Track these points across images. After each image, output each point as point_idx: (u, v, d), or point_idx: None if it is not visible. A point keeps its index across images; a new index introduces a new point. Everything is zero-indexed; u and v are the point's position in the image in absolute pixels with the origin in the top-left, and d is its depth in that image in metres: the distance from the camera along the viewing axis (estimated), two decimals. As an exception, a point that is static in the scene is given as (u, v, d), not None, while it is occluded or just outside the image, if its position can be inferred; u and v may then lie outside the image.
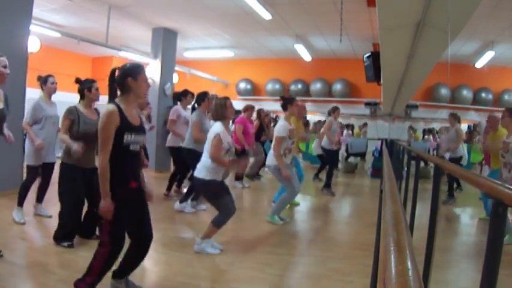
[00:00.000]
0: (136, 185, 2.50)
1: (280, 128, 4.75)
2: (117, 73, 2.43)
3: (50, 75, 4.18)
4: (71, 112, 3.48)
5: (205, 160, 3.55)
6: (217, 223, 3.55)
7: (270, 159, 4.82)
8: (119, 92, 2.45)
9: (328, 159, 7.53)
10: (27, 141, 4.15)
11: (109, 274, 2.51)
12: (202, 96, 5.13)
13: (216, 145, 3.48)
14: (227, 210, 3.55)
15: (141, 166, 2.72)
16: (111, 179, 2.30)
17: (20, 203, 4.17)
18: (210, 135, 3.56)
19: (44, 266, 3.00)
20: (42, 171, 4.23)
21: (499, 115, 4.90)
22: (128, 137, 2.35)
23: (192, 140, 5.00)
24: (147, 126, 7.30)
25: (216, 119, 3.70)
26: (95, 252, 2.43)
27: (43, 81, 4.15)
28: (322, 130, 7.56)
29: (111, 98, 2.45)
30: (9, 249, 3.23)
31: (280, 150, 4.68)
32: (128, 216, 2.43)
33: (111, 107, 2.33)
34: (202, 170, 3.53)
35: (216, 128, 3.58)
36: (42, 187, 4.30)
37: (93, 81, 3.65)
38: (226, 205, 3.56)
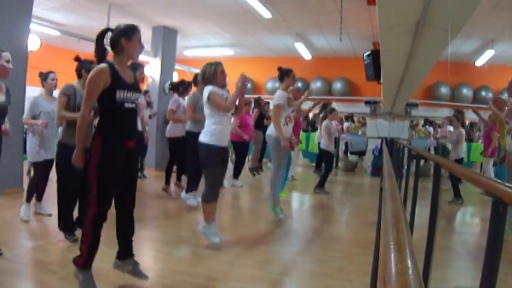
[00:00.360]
0: (132, 144, 2.51)
1: (277, 97, 4.62)
2: (110, 34, 2.42)
3: (51, 72, 4.19)
4: (68, 88, 3.48)
5: (208, 125, 3.56)
6: (204, 197, 3.60)
7: (271, 129, 4.71)
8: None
9: (325, 161, 7.46)
10: (28, 138, 4.17)
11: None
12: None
13: (216, 98, 3.45)
14: (213, 179, 3.58)
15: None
16: (107, 137, 2.33)
17: (28, 199, 4.20)
18: (204, 100, 3.53)
19: (44, 264, 3.01)
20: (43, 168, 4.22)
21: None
22: (120, 94, 2.35)
23: (190, 123, 5.14)
24: (148, 111, 7.34)
25: (204, 82, 3.63)
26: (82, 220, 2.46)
27: (44, 77, 4.16)
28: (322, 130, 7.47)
29: (99, 61, 2.42)
30: (10, 248, 3.23)
31: (281, 121, 4.56)
32: (116, 175, 2.44)
33: (103, 65, 2.33)
34: (207, 134, 3.54)
35: (206, 89, 3.52)
36: (41, 184, 4.29)
37: (92, 62, 3.64)
38: (214, 179, 3.58)
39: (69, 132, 3.40)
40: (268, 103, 8.41)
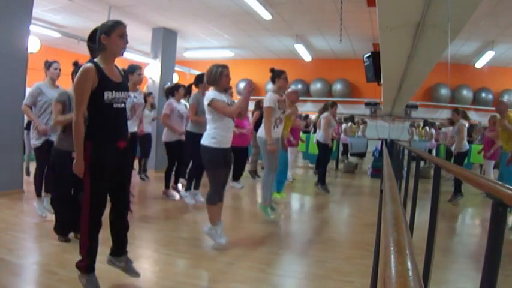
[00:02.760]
0: (124, 144, 2.49)
1: (268, 99, 4.65)
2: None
3: (55, 61, 4.22)
4: (62, 95, 3.48)
5: (209, 129, 3.58)
6: (209, 199, 3.63)
7: (261, 131, 4.73)
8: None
9: (321, 154, 7.39)
10: (31, 131, 4.20)
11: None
12: (200, 78, 5.25)
13: (219, 107, 3.47)
14: (217, 182, 3.60)
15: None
16: (98, 139, 2.31)
17: (38, 194, 4.23)
18: (205, 105, 3.55)
19: (44, 266, 3.00)
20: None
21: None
22: (108, 95, 2.33)
23: (191, 123, 5.16)
24: (151, 113, 7.33)
25: (208, 82, 3.66)
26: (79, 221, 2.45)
27: (47, 66, 4.19)
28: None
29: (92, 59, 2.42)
30: (9, 249, 3.23)
31: (270, 123, 4.58)
32: (108, 176, 2.43)
33: (88, 64, 2.31)
34: (208, 137, 3.57)
35: (207, 96, 3.55)
36: (40, 171, 4.24)
37: None
38: (218, 176, 3.60)
39: (64, 138, 3.41)
40: None
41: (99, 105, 2.32)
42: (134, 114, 4.67)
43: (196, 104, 5.05)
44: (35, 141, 4.10)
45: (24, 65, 5.53)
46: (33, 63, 6.01)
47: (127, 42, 2.47)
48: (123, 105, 2.46)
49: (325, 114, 7.18)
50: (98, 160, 2.35)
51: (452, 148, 7.35)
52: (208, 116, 3.61)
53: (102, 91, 2.31)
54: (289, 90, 4.89)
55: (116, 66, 2.52)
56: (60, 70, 4.20)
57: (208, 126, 3.62)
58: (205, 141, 3.58)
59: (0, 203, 4.79)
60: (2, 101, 5.19)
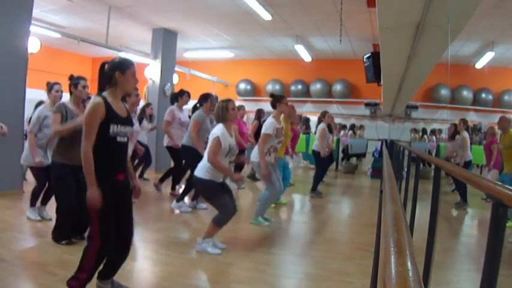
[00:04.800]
0: (123, 177, 2.50)
1: (267, 125, 4.67)
2: (106, 66, 2.44)
3: (56, 83, 4.20)
4: (59, 108, 3.49)
5: (205, 161, 3.56)
6: (218, 222, 3.56)
7: (254, 156, 4.75)
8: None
9: (316, 163, 7.40)
10: (26, 144, 4.19)
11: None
12: (205, 97, 5.17)
13: (213, 148, 3.47)
14: (226, 209, 3.55)
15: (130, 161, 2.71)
16: (98, 171, 2.31)
17: (32, 204, 4.24)
18: (210, 138, 3.58)
19: (44, 266, 3.00)
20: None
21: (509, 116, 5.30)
22: (114, 128, 2.36)
23: (187, 137, 5.09)
24: (149, 125, 7.34)
25: (217, 120, 3.71)
26: (84, 249, 2.42)
27: (49, 88, 4.19)
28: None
29: (100, 91, 2.45)
30: (9, 250, 3.23)
31: (265, 148, 4.61)
32: (111, 209, 2.41)
33: (98, 98, 2.35)
34: (202, 169, 3.54)
35: (216, 130, 3.58)
36: (40, 189, 4.26)
37: (80, 78, 3.65)
38: (225, 204, 3.55)
39: (60, 151, 3.42)
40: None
41: (104, 138, 2.35)
42: (130, 140, 4.67)
43: (201, 122, 5.01)
44: (26, 157, 4.16)
45: (24, 66, 5.53)
46: (33, 64, 6.03)
47: (137, 81, 2.57)
48: (126, 139, 2.49)
49: (321, 125, 7.21)
50: (101, 190, 2.34)
51: (453, 160, 7.32)
52: (208, 146, 3.61)
53: (109, 124, 2.35)
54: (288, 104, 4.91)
55: (121, 101, 2.56)
56: (62, 92, 4.20)
57: (204, 156, 3.61)
58: (199, 173, 3.56)
59: (0, 203, 4.79)
60: (2, 101, 5.19)
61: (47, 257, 3.23)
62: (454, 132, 7.53)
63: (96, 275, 2.52)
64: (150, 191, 6.47)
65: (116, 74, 2.40)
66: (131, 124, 2.56)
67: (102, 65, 2.47)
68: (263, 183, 4.86)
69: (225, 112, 3.64)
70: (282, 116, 5.11)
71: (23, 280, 2.81)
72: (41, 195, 4.23)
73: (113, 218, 2.45)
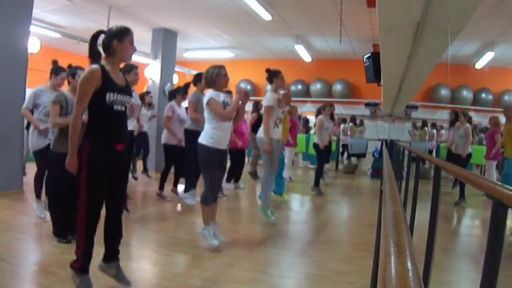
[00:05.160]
0: (121, 147, 2.49)
1: (268, 98, 4.69)
2: (103, 36, 2.45)
3: (63, 70, 4.14)
4: (59, 96, 3.50)
5: (207, 128, 3.60)
6: (205, 199, 3.64)
7: (261, 132, 4.76)
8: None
9: (316, 155, 7.40)
10: (30, 131, 4.19)
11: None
12: (199, 77, 5.22)
13: (215, 107, 3.50)
14: (212, 185, 3.63)
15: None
16: (96, 139, 2.32)
17: (38, 195, 4.22)
18: (204, 104, 3.58)
19: (43, 266, 3.00)
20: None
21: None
22: (110, 96, 2.35)
23: (190, 121, 5.19)
24: (149, 112, 7.35)
25: (206, 84, 3.68)
26: (75, 223, 2.43)
27: (55, 71, 4.14)
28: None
29: (93, 62, 2.43)
30: (9, 250, 3.23)
31: (271, 122, 4.61)
32: (104, 180, 2.43)
33: (95, 66, 2.34)
34: (206, 136, 3.59)
35: (206, 95, 3.59)
36: (40, 175, 4.20)
37: (78, 68, 3.65)
38: (213, 180, 3.64)
39: (61, 140, 3.41)
40: None
41: (100, 106, 2.34)
42: (132, 114, 4.67)
43: (196, 101, 5.05)
44: (36, 141, 4.09)
45: (24, 66, 5.53)
46: (33, 64, 6.02)
47: (135, 49, 2.55)
48: (123, 108, 2.47)
49: (319, 117, 7.30)
50: (95, 159, 2.35)
51: (453, 147, 7.34)
52: (206, 115, 3.62)
53: (105, 92, 2.33)
54: (281, 92, 4.92)
55: (120, 69, 2.55)
56: (65, 80, 4.19)
57: (206, 125, 3.63)
58: (203, 140, 3.59)
59: (0, 203, 4.79)
60: (2, 101, 5.19)
61: (47, 257, 3.23)
62: (454, 119, 7.52)
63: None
64: (149, 192, 6.47)
65: (113, 42, 2.40)
66: (130, 93, 2.54)
67: (94, 36, 2.47)
68: (263, 159, 4.85)
69: (216, 78, 3.60)
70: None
71: (23, 280, 2.81)
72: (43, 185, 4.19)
73: (104, 188, 2.44)
